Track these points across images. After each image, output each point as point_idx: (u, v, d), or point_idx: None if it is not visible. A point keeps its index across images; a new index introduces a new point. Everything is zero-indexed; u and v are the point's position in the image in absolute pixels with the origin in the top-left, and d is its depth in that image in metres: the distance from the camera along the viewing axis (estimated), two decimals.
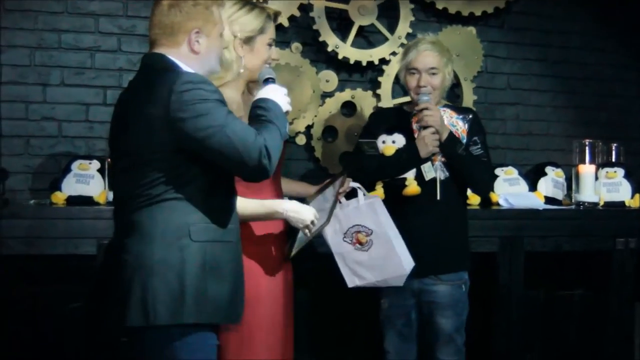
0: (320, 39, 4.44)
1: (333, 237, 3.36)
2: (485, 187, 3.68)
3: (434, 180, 3.44)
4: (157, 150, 2.46)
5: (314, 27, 4.42)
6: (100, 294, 2.63)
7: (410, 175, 3.45)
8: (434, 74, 3.47)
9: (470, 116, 3.57)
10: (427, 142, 3.40)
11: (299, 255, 3.17)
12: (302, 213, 3.00)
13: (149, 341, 2.49)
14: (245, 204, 2.88)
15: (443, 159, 3.46)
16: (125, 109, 2.59)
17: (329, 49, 4.46)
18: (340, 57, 4.48)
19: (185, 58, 2.58)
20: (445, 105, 3.65)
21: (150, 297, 2.43)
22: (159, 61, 2.57)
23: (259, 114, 2.63)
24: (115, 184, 2.71)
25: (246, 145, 2.45)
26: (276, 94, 2.73)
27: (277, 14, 3.17)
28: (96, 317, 2.75)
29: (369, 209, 3.38)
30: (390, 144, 3.50)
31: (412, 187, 3.44)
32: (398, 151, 3.47)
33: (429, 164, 3.45)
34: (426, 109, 3.41)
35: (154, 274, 2.44)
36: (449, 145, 3.41)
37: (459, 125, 3.51)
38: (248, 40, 3.01)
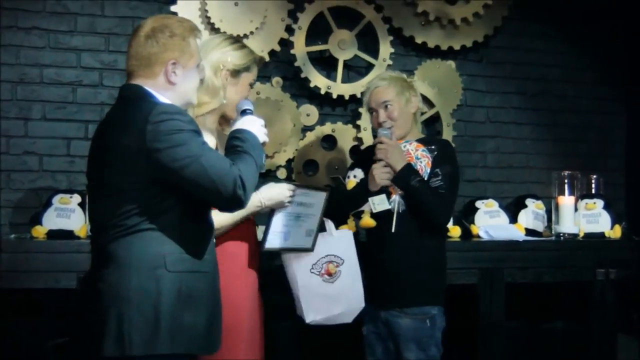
0: (311, 85, 4.49)
1: (300, 268, 3.33)
2: (437, 218, 3.51)
3: (391, 212, 3.46)
4: (133, 180, 2.47)
5: (302, 75, 4.48)
6: (77, 325, 2.61)
7: (367, 208, 3.51)
8: (387, 106, 3.53)
9: (437, 147, 3.57)
10: (374, 175, 3.45)
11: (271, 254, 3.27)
12: (277, 199, 3.08)
13: None
14: (226, 216, 2.94)
15: (401, 192, 3.48)
16: (103, 139, 2.59)
17: (322, 91, 4.51)
18: (334, 96, 4.52)
19: (162, 89, 2.61)
20: (419, 139, 3.64)
21: (126, 327, 2.42)
22: (135, 92, 2.59)
23: (235, 144, 2.64)
24: (91, 213, 2.70)
25: (221, 175, 2.46)
26: (253, 124, 2.75)
27: (262, 60, 3.28)
28: (74, 348, 2.74)
29: (340, 240, 3.44)
30: (352, 178, 3.64)
31: (365, 220, 3.53)
32: (355, 185, 3.54)
33: (380, 196, 3.47)
34: (380, 142, 3.46)
35: (129, 304, 2.43)
36: (401, 177, 3.42)
37: (423, 158, 3.52)
38: (235, 73, 3.08)
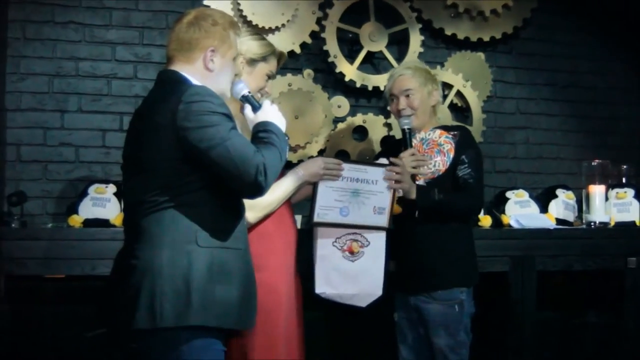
0: (337, 70, 4.54)
1: (323, 238, 3.33)
2: (474, 212, 3.58)
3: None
4: (165, 157, 2.53)
5: (329, 59, 4.52)
6: (111, 299, 2.66)
7: None
8: (409, 95, 3.56)
9: (458, 133, 3.59)
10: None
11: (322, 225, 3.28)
12: (311, 169, 3.17)
13: (156, 345, 2.52)
14: (275, 195, 3.03)
15: (420, 179, 3.48)
16: (139, 120, 2.67)
17: (343, 73, 4.55)
18: (347, 79, 4.57)
19: (199, 75, 2.68)
20: (440, 127, 3.66)
21: (158, 299, 2.47)
22: (171, 76, 2.67)
23: (261, 136, 2.69)
24: (125, 190, 2.76)
25: (244, 160, 2.51)
26: (275, 115, 2.79)
27: (282, 55, 3.30)
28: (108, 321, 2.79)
29: None
30: None
31: None
32: None
33: None
34: (395, 165, 3.37)
35: (161, 277, 2.48)
36: (422, 197, 3.39)
37: (446, 144, 3.53)
38: (251, 62, 3.13)
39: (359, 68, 4.59)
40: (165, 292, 2.47)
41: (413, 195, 3.38)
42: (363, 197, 3.28)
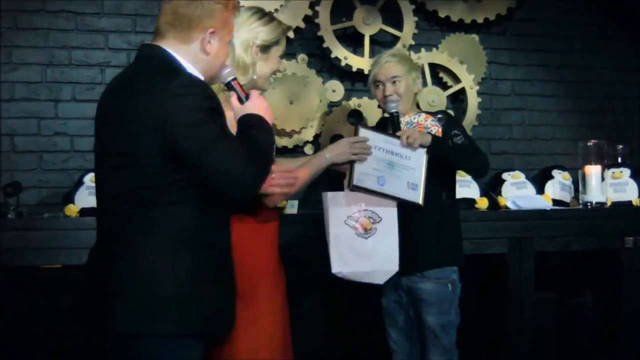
0: (336, 57, 4.51)
1: (335, 216, 3.27)
2: (484, 165, 3.54)
3: None
4: (149, 153, 2.31)
5: (332, 55, 4.51)
6: (88, 301, 2.45)
7: None
8: (396, 82, 3.57)
9: (444, 116, 3.61)
10: (415, 137, 3.38)
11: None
12: (338, 149, 3.16)
13: (134, 348, 2.35)
14: (303, 176, 3.02)
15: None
16: (117, 103, 2.42)
17: (342, 63, 4.53)
18: (367, 72, 4.46)
19: (192, 57, 2.44)
20: (419, 112, 3.66)
21: (137, 304, 2.31)
22: (160, 57, 2.43)
23: (252, 134, 2.49)
24: (100, 182, 2.50)
25: (235, 165, 2.32)
26: (262, 106, 2.60)
27: (289, 28, 3.24)
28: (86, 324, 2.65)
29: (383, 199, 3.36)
30: None
31: None
32: None
33: None
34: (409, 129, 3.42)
35: (141, 280, 2.32)
36: (439, 141, 3.40)
37: (433, 127, 3.52)
38: (265, 49, 3.02)
39: (370, 56, 4.55)
40: (145, 297, 2.31)
41: (427, 139, 3.34)
42: (397, 171, 3.27)
